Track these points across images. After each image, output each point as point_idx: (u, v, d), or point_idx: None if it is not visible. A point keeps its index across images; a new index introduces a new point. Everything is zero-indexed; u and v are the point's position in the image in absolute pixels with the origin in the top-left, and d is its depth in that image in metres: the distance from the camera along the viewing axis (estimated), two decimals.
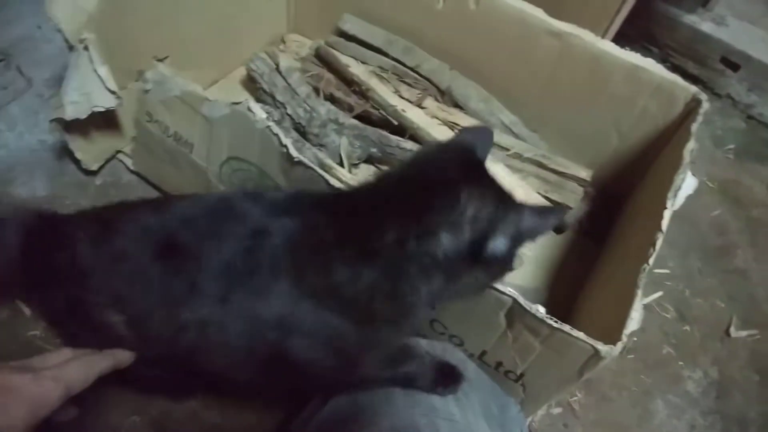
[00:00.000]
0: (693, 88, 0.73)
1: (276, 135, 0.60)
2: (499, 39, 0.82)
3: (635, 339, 0.81)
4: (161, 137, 0.73)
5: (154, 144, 0.75)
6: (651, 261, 0.55)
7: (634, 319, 0.51)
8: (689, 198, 0.98)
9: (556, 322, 0.50)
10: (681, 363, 0.80)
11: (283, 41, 1.04)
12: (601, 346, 0.49)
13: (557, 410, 0.74)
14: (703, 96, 0.72)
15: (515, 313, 0.52)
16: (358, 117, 0.89)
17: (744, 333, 0.84)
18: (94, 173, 0.83)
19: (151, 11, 0.78)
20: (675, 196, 0.61)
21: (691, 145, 0.66)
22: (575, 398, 0.75)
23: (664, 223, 0.58)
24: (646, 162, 0.80)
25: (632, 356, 0.79)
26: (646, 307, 0.84)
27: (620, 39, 1.18)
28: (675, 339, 0.82)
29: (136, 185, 0.84)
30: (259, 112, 0.62)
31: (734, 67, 1.10)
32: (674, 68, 1.17)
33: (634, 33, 1.18)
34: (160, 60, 0.82)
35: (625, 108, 0.79)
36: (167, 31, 0.82)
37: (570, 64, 0.78)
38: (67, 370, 0.43)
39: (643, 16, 1.13)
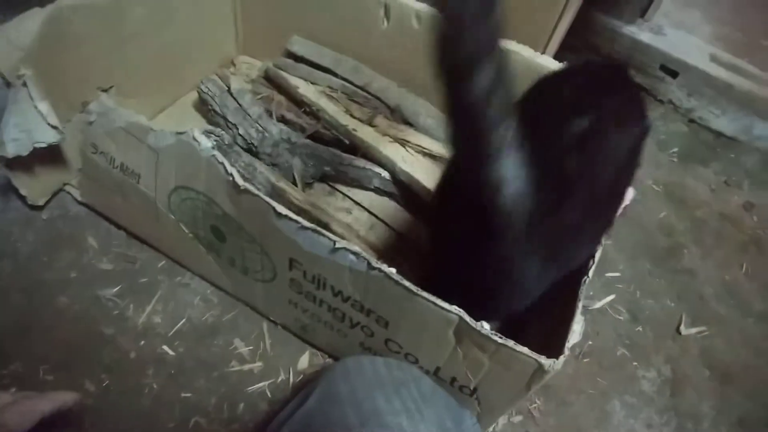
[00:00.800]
0: None
1: (222, 164, 0.60)
2: None
3: (590, 342, 0.83)
4: (107, 168, 0.72)
5: (101, 175, 0.74)
6: (590, 273, 0.57)
7: (576, 332, 0.52)
8: (637, 202, 1.02)
9: (500, 338, 0.51)
10: (635, 363, 0.83)
11: (233, 64, 1.04)
12: (544, 360, 0.50)
13: (518, 418, 0.75)
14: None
15: (463, 330, 0.53)
16: (310, 137, 0.90)
17: (694, 330, 0.88)
18: (40, 208, 0.82)
19: (93, 42, 0.77)
20: None
21: None
22: (535, 405, 0.76)
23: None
24: None
25: (588, 359, 0.82)
26: (599, 310, 0.87)
27: (566, 50, 1.22)
28: (629, 340, 0.85)
29: (85, 217, 0.82)
30: (204, 141, 0.61)
31: (673, 74, 1.15)
32: None
33: (579, 44, 1.22)
34: (105, 90, 0.81)
35: None
36: (112, 61, 0.81)
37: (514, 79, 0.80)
38: (4, 415, 0.42)
39: (585, 28, 1.18)
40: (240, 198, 0.59)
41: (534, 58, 0.78)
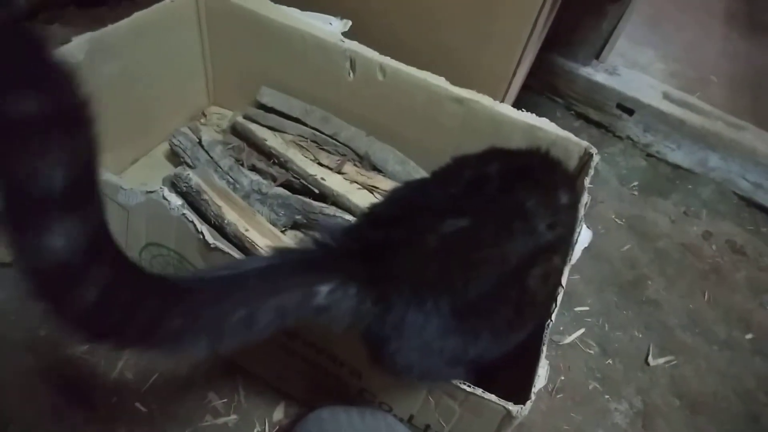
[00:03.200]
0: (584, 143, 0.80)
1: (191, 222, 0.61)
2: (408, 106, 0.87)
3: (562, 378, 0.85)
4: None
5: None
6: (553, 317, 0.58)
7: (541, 376, 0.54)
8: (601, 236, 1.06)
9: (468, 386, 0.53)
10: (607, 396, 0.84)
11: (204, 114, 1.06)
12: (511, 407, 0.52)
13: None
14: (594, 150, 0.79)
15: None
16: (282, 186, 0.91)
17: (662, 360, 0.90)
18: (9, 264, 0.81)
19: None
20: (572, 251, 0.65)
21: (584, 198, 0.72)
22: None
23: (563, 279, 0.62)
24: None
25: (561, 395, 0.83)
26: (570, 345, 0.89)
27: (527, 92, 1.28)
28: (599, 373, 0.87)
29: None
30: (174, 199, 0.63)
31: (629, 111, 1.21)
32: (578, 115, 1.28)
33: (539, 86, 1.28)
34: None
35: None
36: None
37: (474, 126, 0.84)
38: None
39: (544, 70, 1.24)
40: (210, 255, 0.60)
41: (494, 107, 0.82)
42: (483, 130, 0.84)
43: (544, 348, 0.57)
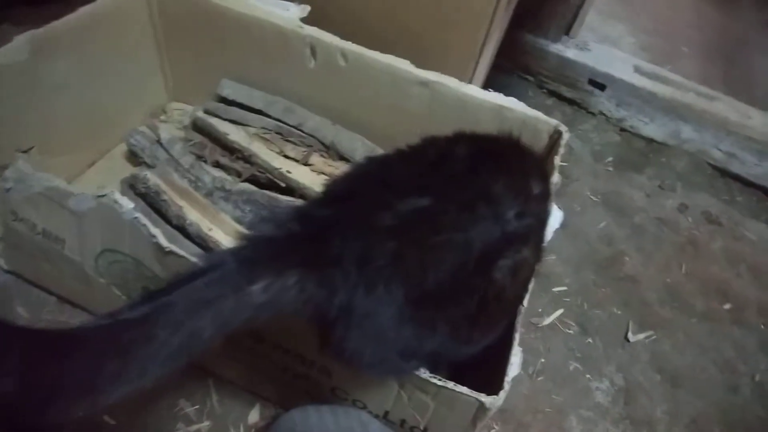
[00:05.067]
0: (553, 122, 0.78)
1: (144, 225, 0.58)
2: (373, 91, 0.85)
3: (543, 360, 0.84)
4: (30, 236, 0.69)
5: (24, 243, 0.71)
6: (526, 302, 0.57)
7: (515, 364, 0.53)
8: (577, 214, 1.05)
9: (439, 380, 0.51)
10: (588, 376, 0.84)
11: (165, 111, 1.03)
12: (484, 398, 0.50)
13: None
14: (563, 128, 0.77)
15: None
16: (248, 180, 0.89)
17: (641, 336, 0.90)
18: None
19: (7, 102, 0.74)
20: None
21: (555, 178, 0.70)
22: (494, 430, 0.76)
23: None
24: None
25: (542, 378, 0.82)
26: (549, 326, 0.88)
27: (498, 71, 1.26)
28: (580, 353, 0.86)
29: (13, 285, 0.78)
30: (126, 202, 0.60)
31: (601, 87, 1.20)
32: (550, 93, 1.27)
33: (509, 65, 1.26)
34: (25, 151, 0.78)
35: None
36: (31, 119, 0.78)
37: (441, 109, 0.82)
38: None
39: (514, 48, 1.22)
40: (166, 258, 0.58)
41: (460, 89, 0.80)
42: (450, 112, 0.82)
43: (517, 335, 0.55)
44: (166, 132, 0.89)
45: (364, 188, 0.48)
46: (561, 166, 1.12)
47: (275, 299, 0.41)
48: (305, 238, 0.43)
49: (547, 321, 0.88)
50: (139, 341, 0.37)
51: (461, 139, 0.56)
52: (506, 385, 0.51)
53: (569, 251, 0.98)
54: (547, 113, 1.23)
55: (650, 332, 0.90)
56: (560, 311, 0.90)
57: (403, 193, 0.45)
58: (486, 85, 1.21)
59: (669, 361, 0.87)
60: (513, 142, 0.57)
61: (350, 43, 0.83)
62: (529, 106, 1.20)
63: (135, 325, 0.38)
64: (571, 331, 0.88)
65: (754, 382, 0.86)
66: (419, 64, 0.82)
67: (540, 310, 0.89)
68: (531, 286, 0.58)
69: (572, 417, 0.79)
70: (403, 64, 0.81)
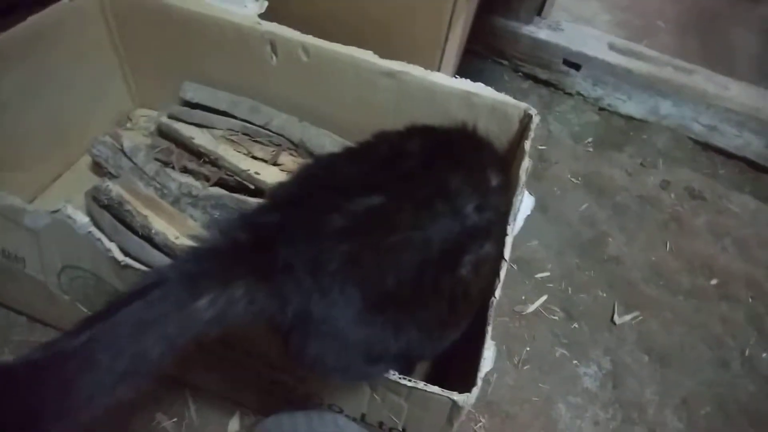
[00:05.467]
0: (523, 105, 0.76)
1: (99, 240, 0.56)
2: (338, 85, 0.82)
3: (528, 348, 0.82)
4: None
5: None
6: (497, 293, 0.55)
7: (488, 359, 0.51)
8: (557, 198, 1.03)
9: (409, 381, 0.49)
10: (575, 362, 0.82)
11: (130, 118, 1.00)
12: (456, 396, 0.48)
13: None
14: (533, 111, 0.75)
15: None
16: (217, 184, 0.86)
17: (628, 317, 0.88)
18: None
19: None
20: (514, 220, 0.62)
21: (525, 163, 0.68)
22: (480, 424, 0.75)
23: (507, 251, 0.58)
24: None
25: (528, 366, 0.81)
26: (534, 313, 0.86)
27: (471, 57, 1.23)
28: (566, 339, 0.84)
29: None
30: (81, 217, 0.57)
31: (576, 66, 1.18)
32: (526, 76, 1.24)
33: (483, 50, 1.24)
34: None
35: None
36: None
37: (408, 99, 0.80)
38: None
39: (486, 32, 1.19)
40: (124, 272, 0.56)
41: (426, 77, 0.78)
42: (418, 102, 0.80)
43: (490, 328, 0.54)
44: (129, 140, 0.86)
45: (311, 190, 0.46)
46: (539, 149, 1.11)
47: (223, 313, 0.39)
48: (251, 246, 0.41)
49: (531, 308, 0.87)
50: (81, 369, 0.36)
51: (414, 133, 0.54)
52: (479, 382, 0.49)
53: (551, 236, 0.96)
54: (523, 97, 1.23)
55: (636, 313, 0.88)
56: (544, 297, 0.88)
57: (353, 193, 0.43)
58: (460, 72, 1.19)
59: (657, 341, 0.86)
60: (468, 134, 0.55)
61: (311, 37, 0.80)
62: (504, 90, 1.18)
63: (74, 353, 0.36)
64: (556, 317, 0.86)
65: (743, 356, 0.85)
66: (384, 55, 0.79)
67: (523, 297, 0.88)
68: (502, 277, 0.56)
69: (560, 405, 0.78)
70: (367, 56, 0.79)
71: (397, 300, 0.43)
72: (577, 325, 0.86)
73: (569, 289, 0.90)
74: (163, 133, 0.91)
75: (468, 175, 0.47)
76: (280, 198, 0.48)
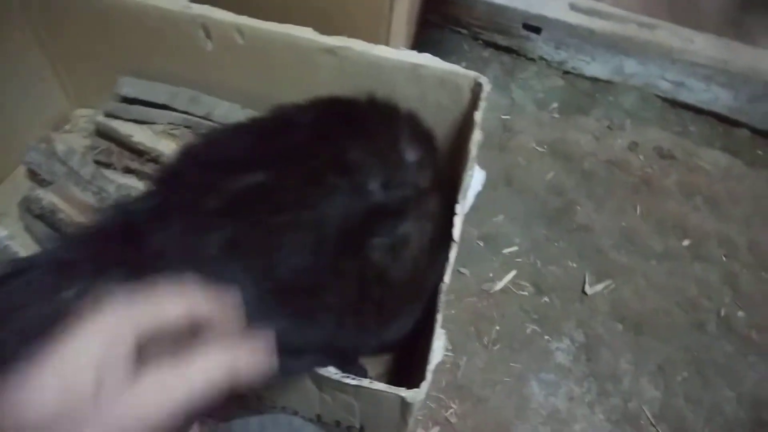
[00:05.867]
0: (473, 74, 0.71)
1: (16, 252, 0.52)
2: (278, 67, 0.78)
3: (497, 327, 0.80)
4: None
5: None
6: (447, 279, 0.51)
7: (437, 350, 0.48)
8: (522, 168, 0.99)
9: (353, 378, 0.46)
10: (547, 337, 0.80)
11: (69, 120, 0.95)
12: (404, 393, 0.45)
13: (435, 429, 0.71)
14: (484, 79, 0.71)
15: (316, 377, 0.48)
16: None
17: (599, 286, 0.85)
18: None
19: None
20: (465, 197, 0.58)
21: (476, 136, 0.65)
22: (451, 410, 0.72)
23: (456, 232, 0.54)
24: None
25: (498, 346, 0.78)
26: (502, 291, 0.83)
27: (429, 28, 1.18)
28: (536, 314, 0.82)
29: None
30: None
31: (536, 30, 1.13)
32: (486, 44, 1.20)
33: (440, 19, 1.19)
34: None
35: (422, 107, 0.75)
36: None
37: (353, 76, 0.75)
38: None
39: (442, 1, 1.14)
40: None
41: (369, 51, 0.73)
42: (363, 79, 0.75)
43: (439, 317, 0.50)
44: (62, 144, 0.81)
45: (188, 170, 0.42)
46: (503, 119, 1.07)
47: None
48: (125, 233, 0.37)
49: (500, 285, 0.84)
50: None
51: (315, 104, 0.49)
52: (428, 375, 0.46)
53: (517, 209, 0.93)
54: (484, 65, 1.18)
55: (608, 281, 0.86)
56: (513, 273, 0.85)
57: (231, 171, 0.39)
58: (418, 45, 1.14)
59: (630, 309, 0.83)
60: (378, 104, 0.51)
61: (245, 17, 0.75)
62: (465, 60, 1.14)
63: None
64: (525, 293, 0.84)
65: (719, 317, 0.83)
66: (326, 31, 0.75)
67: (491, 275, 0.85)
68: (452, 260, 0.52)
69: (533, 382, 0.75)
70: (305, 33, 0.74)
71: (297, 286, 0.39)
72: (547, 299, 0.83)
73: (538, 262, 0.87)
74: (101, 133, 0.86)
75: (372, 148, 0.43)
76: (160, 180, 0.43)
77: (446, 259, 0.52)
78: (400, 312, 0.49)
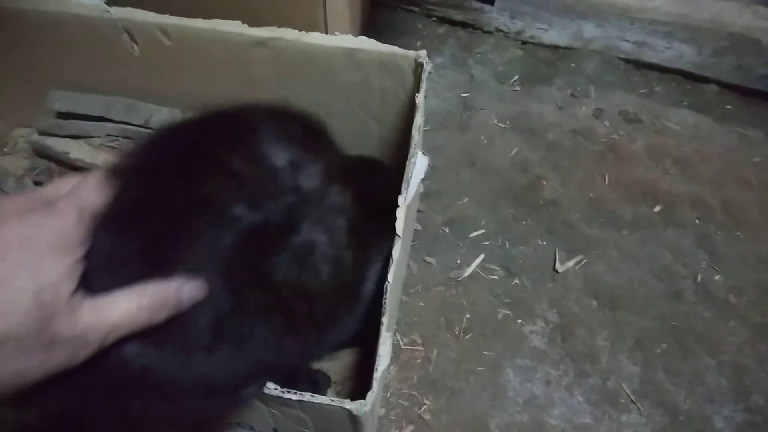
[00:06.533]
0: (413, 53, 0.67)
1: None
2: (210, 65, 0.73)
3: (468, 316, 0.77)
4: None
5: None
6: (391, 277, 0.48)
7: (383, 355, 0.45)
8: (485, 147, 0.96)
9: (294, 393, 0.43)
10: (520, 321, 0.77)
11: (6, 142, 0.90)
12: (349, 405, 0.42)
13: (409, 428, 0.68)
14: (425, 58, 0.67)
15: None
16: None
17: (571, 263, 0.83)
18: None
19: None
20: (407, 186, 0.55)
21: (418, 120, 0.61)
22: (425, 406, 0.70)
23: (399, 226, 0.51)
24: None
25: (469, 335, 0.75)
26: (470, 277, 0.80)
27: (380, 9, 1.14)
28: (507, 298, 0.79)
29: None
30: None
31: (490, 2, 1.09)
32: (440, 20, 1.16)
33: (389, 1, 1.14)
34: None
35: (364, 94, 0.73)
36: None
37: (288, 67, 0.71)
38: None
39: None
40: None
41: (302, 39, 0.69)
42: (299, 69, 0.71)
43: (385, 320, 0.47)
44: None
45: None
46: (462, 97, 1.04)
47: None
48: None
49: (468, 271, 0.81)
50: None
51: (160, 141, 0.43)
52: (375, 385, 0.43)
53: (481, 190, 0.89)
54: (440, 43, 1.14)
55: (580, 257, 0.83)
56: (481, 257, 0.82)
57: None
58: (369, 29, 1.10)
59: (604, 283, 0.80)
60: (230, 116, 0.45)
61: (168, 16, 0.71)
62: (420, 39, 1.10)
63: None
64: (495, 277, 0.81)
65: (696, 283, 0.80)
66: (256, 24, 0.70)
67: (458, 261, 0.82)
68: (395, 257, 0.49)
69: (508, 370, 0.73)
70: (232, 27, 0.69)
71: (219, 342, 0.36)
72: (518, 281, 0.80)
73: (506, 243, 0.84)
74: (38, 152, 0.82)
75: (225, 171, 0.38)
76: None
77: (385, 250, 0.48)
78: (337, 315, 0.45)
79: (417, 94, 0.64)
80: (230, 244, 0.36)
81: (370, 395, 0.43)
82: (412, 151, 0.58)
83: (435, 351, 0.73)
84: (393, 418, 0.69)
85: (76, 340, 0.30)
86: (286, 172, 0.40)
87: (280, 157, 0.40)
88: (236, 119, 0.44)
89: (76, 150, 0.79)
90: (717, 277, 0.81)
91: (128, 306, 0.32)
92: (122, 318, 0.32)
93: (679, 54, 1.07)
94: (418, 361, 0.73)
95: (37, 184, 0.81)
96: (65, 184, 0.36)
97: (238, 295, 0.36)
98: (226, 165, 0.37)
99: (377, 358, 0.45)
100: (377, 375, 0.44)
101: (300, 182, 0.40)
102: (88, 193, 0.34)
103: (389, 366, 0.56)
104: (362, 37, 0.69)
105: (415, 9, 1.15)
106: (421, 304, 0.78)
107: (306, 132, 0.46)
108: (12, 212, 0.31)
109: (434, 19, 1.15)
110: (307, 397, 0.43)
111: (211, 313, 0.35)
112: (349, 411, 0.42)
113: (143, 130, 0.79)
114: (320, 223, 0.41)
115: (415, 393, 0.71)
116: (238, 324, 0.37)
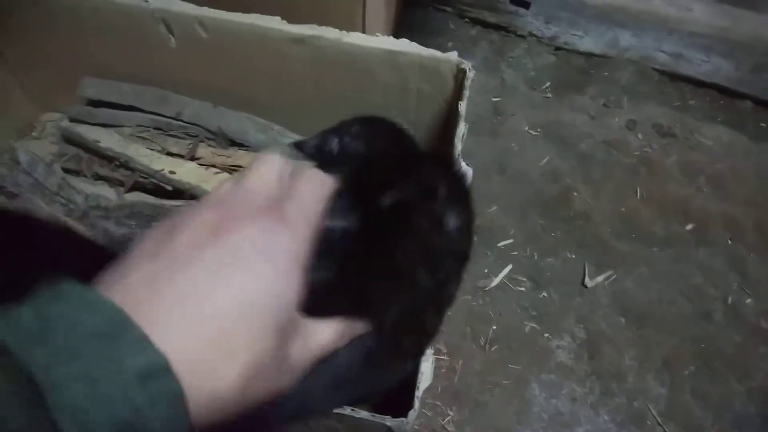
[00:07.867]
0: (455, 58, 0.66)
1: None
2: (246, 61, 0.72)
3: (494, 327, 0.76)
4: None
5: None
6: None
7: (425, 373, 0.44)
8: (515, 154, 0.94)
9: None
10: (546, 335, 0.76)
11: (35, 126, 0.89)
12: (390, 422, 0.41)
13: None
14: (468, 65, 0.65)
15: None
16: (135, 189, 0.78)
17: (600, 278, 0.81)
18: None
19: None
20: None
21: (461, 129, 0.60)
22: (448, 417, 0.69)
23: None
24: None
25: (495, 347, 0.74)
26: (498, 287, 0.79)
27: (413, 9, 1.12)
28: (535, 311, 0.78)
29: None
30: None
31: (525, 5, 1.07)
32: (473, 22, 1.14)
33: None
34: None
35: (402, 96, 0.71)
36: None
37: (326, 67, 0.70)
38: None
39: None
40: None
41: (342, 39, 0.67)
42: (338, 70, 0.70)
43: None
44: (25, 153, 0.76)
45: None
46: (494, 102, 1.02)
47: None
48: None
49: (495, 282, 0.80)
50: None
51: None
52: (416, 402, 0.42)
53: (511, 198, 0.88)
54: (472, 45, 1.12)
55: (609, 272, 0.82)
56: (509, 268, 0.81)
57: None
58: (402, 28, 1.09)
59: (633, 300, 0.79)
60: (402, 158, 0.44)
61: (206, 8, 0.69)
62: (453, 40, 1.08)
63: None
64: (522, 288, 0.80)
65: (726, 305, 0.79)
66: (295, 19, 0.69)
67: (486, 270, 0.81)
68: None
69: (534, 384, 0.72)
70: (271, 22, 0.68)
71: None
72: (545, 294, 0.79)
73: (535, 254, 0.83)
74: (68, 139, 0.81)
75: (417, 234, 0.37)
76: None
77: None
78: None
79: (460, 102, 0.62)
80: (406, 304, 0.36)
81: (412, 414, 0.42)
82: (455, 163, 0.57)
83: (460, 361, 0.73)
84: (416, 427, 0.68)
85: (299, 366, 0.28)
86: (454, 238, 0.39)
87: (452, 221, 0.38)
88: (417, 174, 0.41)
89: (106, 138, 0.78)
90: (748, 300, 0.80)
91: (332, 336, 0.30)
92: (325, 348, 0.29)
93: (716, 68, 1.05)
94: (443, 371, 0.72)
95: (66, 171, 0.80)
96: (269, 173, 0.30)
97: (396, 340, 0.36)
98: (417, 228, 0.37)
99: (419, 375, 0.44)
100: (419, 393, 0.43)
101: (461, 248, 0.40)
102: (314, 205, 0.30)
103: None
104: (403, 39, 0.68)
105: (448, 9, 1.14)
106: (448, 312, 0.76)
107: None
108: (241, 209, 0.27)
109: (467, 20, 1.13)
110: (348, 410, 0.42)
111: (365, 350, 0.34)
112: (389, 428, 0.42)
113: (174, 122, 0.78)
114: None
115: (438, 403, 0.70)
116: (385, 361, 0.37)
